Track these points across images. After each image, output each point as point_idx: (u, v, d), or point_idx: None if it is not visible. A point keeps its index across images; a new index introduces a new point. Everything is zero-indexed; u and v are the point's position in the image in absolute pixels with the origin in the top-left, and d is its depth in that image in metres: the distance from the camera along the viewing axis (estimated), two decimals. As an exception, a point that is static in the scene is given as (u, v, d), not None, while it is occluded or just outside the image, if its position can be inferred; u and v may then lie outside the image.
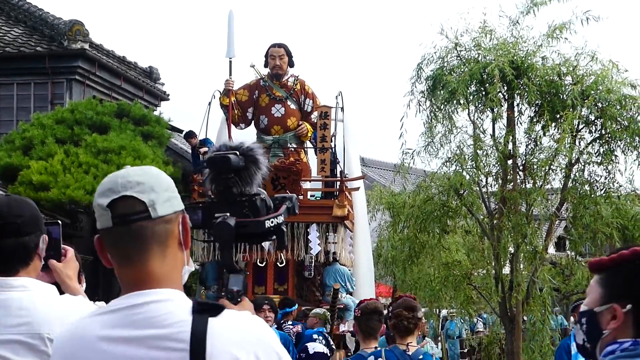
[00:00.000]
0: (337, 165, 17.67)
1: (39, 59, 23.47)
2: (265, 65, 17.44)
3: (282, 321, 13.40)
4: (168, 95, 27.70)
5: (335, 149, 17.66)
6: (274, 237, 3.73)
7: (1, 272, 3.57)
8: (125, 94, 25.21)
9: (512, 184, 16.11)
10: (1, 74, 23.98)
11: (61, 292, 3.89)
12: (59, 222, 4.25)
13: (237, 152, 3.71)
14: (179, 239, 2.67)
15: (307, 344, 10.30)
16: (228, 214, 3.54)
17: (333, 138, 17.69)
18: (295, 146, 17.45)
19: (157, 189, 2.62)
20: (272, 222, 3.73)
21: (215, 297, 3.54)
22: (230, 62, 17.03)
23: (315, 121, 17.49)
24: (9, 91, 23.87)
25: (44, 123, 20.83)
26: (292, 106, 17.43)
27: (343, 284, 16.20)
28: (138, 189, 2.57)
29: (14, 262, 3.59)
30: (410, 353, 6.93)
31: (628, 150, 15.93)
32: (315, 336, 11.35)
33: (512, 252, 16.13)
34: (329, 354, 9.48)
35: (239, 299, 3.16)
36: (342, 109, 17.58)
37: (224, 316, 2.54)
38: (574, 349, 10.50)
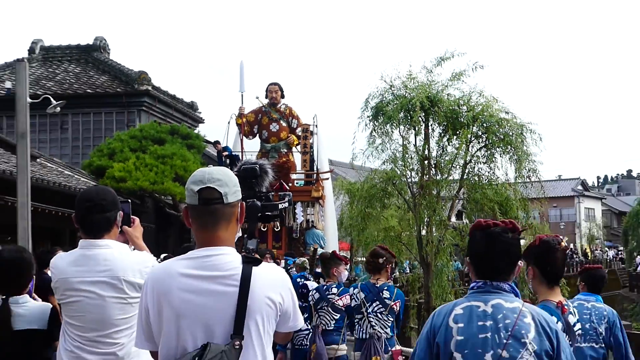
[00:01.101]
0: (314, 163, 17.39)
1: (119, 96, 23.44)
2: (266, 97, 17.11)
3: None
4: (203, 119, 27.89)
5: (312, 153, 17.40)
6: (279, 217, 4.45)
7: (92, 236, 3.68)
8: (176, 119, 25.24)
9: (427, 176, 16.24)
10: (94, 107, 23.84)
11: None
12: (129, 201, 4.43)
13: (258, 166, 4.26)
14: (237, 217, 2.82)
15: (306, 282, 9.68)
16: (256, 199, 4.08)
17: (311, 145, 17.44)
18: (285, 151, 17.15)
19: (229, 184, 2.74)
20: (280, 207, 4.58)
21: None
22: (242, 95, 16.89)
23: (299, 134, 17.28)
24: (98, 117, 23.85)
25: (122, 138, 20.91)
26: (284, 124, 17.11)
27: (318, 242, 15.94)
28: (218, 183, 2.70)
29: (101, 230, 3.69)
30: (377, 285, 7.12)
31: (503, 154, 16.22)
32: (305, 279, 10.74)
33: (427, 220, 16.13)
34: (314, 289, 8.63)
35: (252, 255, 3.21)
36: (316, 126, 17.42)
37: (262, 266, 2.76)
38: None
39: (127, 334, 3.56)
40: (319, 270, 12.46)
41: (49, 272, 5.04)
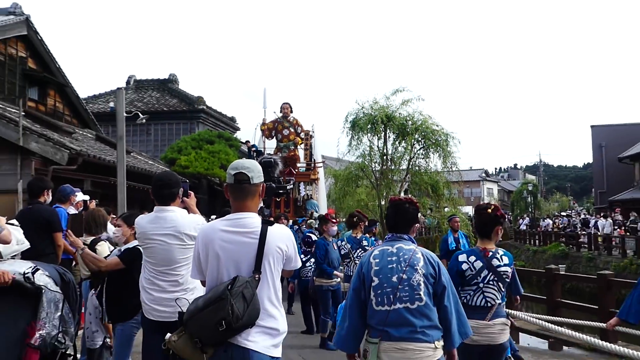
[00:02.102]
0: (312, 157, 17.26)
1: (184, 113, 23.44)
2: (280, 111, 16.85)
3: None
4: (239, 128, 27.74)
5: (311, 150, 17.26)
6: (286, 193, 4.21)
7: (162, 204, 3.68)
8: (221, 127, 25.11)
9: (385, 166, 16.23)
10: (168, 120, 23.74)
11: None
12: (187, 181, 4.68)
13: (272, 160, 4.21)
14: (259, 193, 2.85)
15: (311, 234, 9.30)
16: (271, 183, 3.91)
17: (310, 144, 17.29)
18: (293, 148, 16.71)
19: (255, 170, 2.80)
20: (288, 187, 4.33)
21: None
22: (265, 110, 17.16)
23: (303, 137, 17.02)
24: (171, 127, 23.76)
25: (186, 140, 20.72)
26: (292, 130, 16.69)
27: (314, 209, 15.80)
28: (247, 170, 2.77)
29: (168, 200, 3.69)
30: (357, 237, 7.21)
31: (435, 153, 16.55)
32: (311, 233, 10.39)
33: (385, 195, 15.96)
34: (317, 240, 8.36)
35: (268, 218, 3.15)
36: (314, 132, 17.38)
37: (275, 226, 2.80)
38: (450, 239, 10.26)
39: (185, 268, 3.54)
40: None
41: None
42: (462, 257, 3.80)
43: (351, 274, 6.50)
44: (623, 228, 25.78)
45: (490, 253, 3.75)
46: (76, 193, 6.89)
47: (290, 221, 12.97)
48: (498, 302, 3.72)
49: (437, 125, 15.96)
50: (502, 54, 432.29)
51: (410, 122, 15.92)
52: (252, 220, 2.77)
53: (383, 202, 16.20)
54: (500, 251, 3.80)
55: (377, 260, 3.13)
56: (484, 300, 3.69)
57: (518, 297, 5.82)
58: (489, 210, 3.84)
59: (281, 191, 4.85)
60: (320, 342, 7.02)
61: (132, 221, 4.59)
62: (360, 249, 6.99)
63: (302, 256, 8.16)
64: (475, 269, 3.70)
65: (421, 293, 2.97)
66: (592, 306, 8.66)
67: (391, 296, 3.00)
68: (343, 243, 7.34)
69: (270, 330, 2.72)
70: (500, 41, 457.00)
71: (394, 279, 3.02)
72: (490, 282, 3.69)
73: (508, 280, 3.77)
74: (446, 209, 17.53)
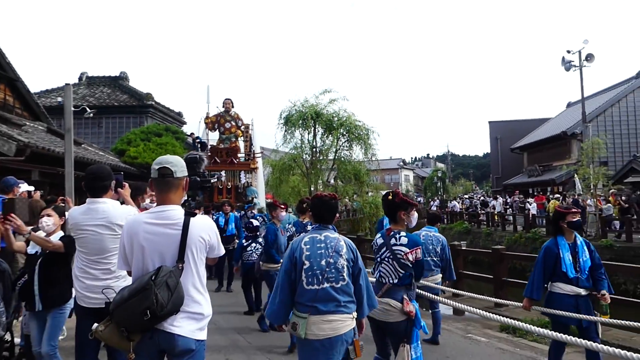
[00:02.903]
0: (252, 148, 16.56)
1: (134, 107, 22.30)
2: (222, 106, 16.07)
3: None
4: (186, 122, 26.79)
5: (251, 141, 16.55)
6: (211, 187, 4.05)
7: (95, 196, 3.44)
8: (169, 121, 24.14)
9: (314, 157, 16.05)
10: (118, 114, 22.56)
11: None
12: (122, 173, 4.24)
13: (197, 156, 4.01)
14: (182, 187, 2.71)
15: (251, 220, 8.58)
16: (196, 177, 3.68)
17: (250, 137, 16.57)
18: (234, 139, 15.95)
19: (178, 165, 2.66)
20: (213, 181, 4.05)
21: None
22: (208, 105, 17.34)
23: (243, 130, 16.32)
24: (121, 120, 22.61)
25: (136, 133, 19.65)
26: (233, 123, 15.99)
27: (254, 195, 15.28)
28: (170, 164, 2.63)
29: (100, 192, 3.46)
30: (304, 222, 6.83)
31: (357, 145, 16.55)
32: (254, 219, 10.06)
33: (315, 182, 15.80)
34: (259, 225, 8.02)
35: (192, 210, 2.95)
36: (253, 125, 16.60)
37: (197, 217, 2.66)
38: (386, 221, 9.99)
39: (117, 257, 3.25)
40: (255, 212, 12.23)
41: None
42: (377, 236, 4.01)
43: None
44: (510, 207, 27.12)
45: (392, 233, 3.76)
46: (19, 185, 6.36)
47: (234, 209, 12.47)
48: (392, 282, 3.67)
49: (359, 121, 16.03)
50: (416, 59, 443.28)
51: (336, 119, 15.89)
52: (175, 212, 2.63)
53: (313, 188, 16.13)
54: (403, 233, 3.72)
55: (308, 247, 3.22)
56: (378, 275, 3.79)
57: (447, 281, 6.23)
58: (389, 197, 3.83)
59: (206, 185, 4.43)
60: (258, 318, 6.75)
61: (63, 211, 4.26)
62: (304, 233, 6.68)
63: (244, 241, 7.80)
64: (377, 245, 3.87)
65: (344, 274, 3.14)
66: (488, 276, 8.99)
67: (320, 277, 3.12)
68: (289, 226, 7.16)
69: (195, 315, 2.61)
70: (414, 46, 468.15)
71: (323, 262, 3.14)
72: (386, 260, 3.74)
73: (405, 262, 3.65)
74: (370, 194, 17.68)
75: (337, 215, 3.54)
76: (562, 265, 4.34)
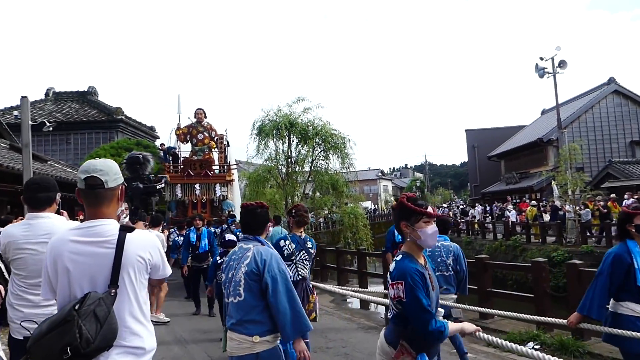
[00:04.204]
0: (227, 159, 16.02)
1: (103, 122, 21.80)
2: (195, 117, 15.54)
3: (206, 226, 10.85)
4: (159, 136, 26.06)
5: (225, 152, 15.99)
6: (158, 194, 3.52)
7: (37, 209, 3.04)
8: (141, 136, 23.42)
9: (290, 168, 15.76)
10: (87, 129, 22.16)
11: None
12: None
13: (140, 156, 3.45)
14: (117, 197, 2.26)
15: (228, 236, 7.61)
16: (139, 183, 3.18)
17: (224, 148, 16.02)
18: (207, 151, 15.36)
19: (110, 173, 2.21)
20: (158, 186, 3.47)
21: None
22: (179, 115, 16.01)
23: (216, 140, 15.76)
24: (90, 136, 22.15)
25: (105, 148, 19.23)
26: (206, 134, 15.43)
27: (230, 208, 14.96)
28: (100, 173, 2.18)
29: (44, 204, 3.06)
30: (302, 237, 5.00)
31: (334, 155, 16.13)
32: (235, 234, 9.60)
33: (291, 195, 15.41)
34: (235, 240, 6.52)
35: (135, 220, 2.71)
36: (227, 135, 16.24)
37: (135, 232, 2.21)
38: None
39: None
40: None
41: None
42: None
43: (295, 279, 4.87)
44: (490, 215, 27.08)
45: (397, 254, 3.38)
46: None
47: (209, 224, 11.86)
48: (390, 315, 3.17)
49: (335, 130, 15.70)
50: (391, 69, 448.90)
51: (311, 128, 15.54)
52: (107, 227, 2.17)
53: (290, 201, 15.71)
54: (399, 257, 3.17)
55: (229, 258, 3.07)
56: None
57: None
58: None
59: (151, 191, 3.83)
60: None
61: None
62: (304, 252, 5.05)
63: (218, 257, 7.09)
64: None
65: (240, 289, 2.87)
66: (472, 287, 8.63)
67: (227, 290, 2.98)
68: (287, 242, 5.08)
69: (134, 350, 2.15)
70: (388, 57, 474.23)
71: (229, 275, 2.98)
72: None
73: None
74: (350, 205, 17.35)
75: (268, 224, 3.26)
76: (638, 279, 3.37)
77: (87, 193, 2.18)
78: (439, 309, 2.54)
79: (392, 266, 2.56)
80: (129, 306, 2.15)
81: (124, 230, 2.18)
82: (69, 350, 1.93)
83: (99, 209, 2.19)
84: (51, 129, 11.61)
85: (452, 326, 2.49)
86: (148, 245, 2.24)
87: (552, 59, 21.72)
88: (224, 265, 3.13)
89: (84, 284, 2.10)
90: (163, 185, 3.69)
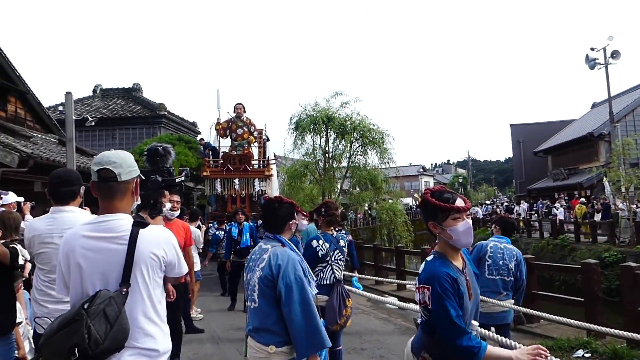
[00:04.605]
0: (266, 154, 15.90)
1: (147, 118, 22.28)
2: (234, 111, 15.48)
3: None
4: (200, 132, 26.56)
5: (264, 147, 15.86)
6: (179, 187, 3.39)
7: (60, 203, 2.98)
8: (183, 131, 23.90)
9: (327, 163, 15.56)
10: (132, 125, 22.73)
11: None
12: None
13: (160, 148, 3.26)
14: (132, 190, 2.16)
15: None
16: (157, 175, 2.95)
17: (263, 142, 15.87)
18: (247, 146, 15.33)
19: (123, 165, 2.09)
20: (179, 180, 3.20)
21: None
22: (219, 110, 15.90)
23: (256, 135, 15.63)
24: (134, 131, 22.73)
25: (148, 143, 18.86)
26: (245, 129, 15.34)
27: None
28: (113, 165, 2.07)
29: (67, 199, 2.99)
30: (334, 235, 4.55)
31: (372, 150, 15.85)
32: None
33: (329, 191, 15.31)
34: None
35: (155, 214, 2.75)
36: (266, 130, 15.91)
37: (149, 228, 2.09)
38: None
39: None
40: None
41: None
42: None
43: (327, 282, 4.38)
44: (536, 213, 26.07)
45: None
46: (1, 195, 5.99)
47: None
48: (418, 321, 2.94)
49: (373, 125, 15.48)
50: (433, 63, 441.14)
51: (349, 122, 15.34)
52: (120, 222, 2.06)
53: (328, 197, 15.58)
54: (430, 257, 2.91)
55: (249, 258, 2.90)
56: None
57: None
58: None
59: (171, 185, 3.52)
60: None
61: None
62: (338, 252, 4.56)
63: None
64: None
65: (255, 295, 2.68)
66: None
67: (245, 294, 2.83)
68: (320, 242, 4.58)
69: (148, 352, 2.04)
70: (431, 51, 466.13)
71: (247, 277, 2.81)
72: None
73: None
74: (390, 201, 17.11)
75: (290, 222, 2.89)
76: None
77: (100, 186, 2.09)
78: (473, 322, 2.14)
79: (421, 267, 2.23)
80: (142, 306, 2.05)
81: (138, 225, 2.07)
82: (76, 352, 1.83)
83: (112, 202, 2.10)
84: (93, 123, 11.97)
85: (495, 351, 2.05)
86: (162, 241, 2.13)
87: (604, 49, 20.65)
88: (246, 265, 2.92)
89: (96, 281, 2.01)
90: (183, 178, 3.48)
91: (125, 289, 1.98)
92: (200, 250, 8.90)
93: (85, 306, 1.89)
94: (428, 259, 2.20)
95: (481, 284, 3.73)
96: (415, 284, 2.20)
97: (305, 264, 2.80)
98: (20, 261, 3.80)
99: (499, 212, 31.94)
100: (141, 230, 2.05)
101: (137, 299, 2.02)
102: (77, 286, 2.03)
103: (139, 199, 2.36)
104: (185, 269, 2.27)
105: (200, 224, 11.06)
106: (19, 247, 4.14)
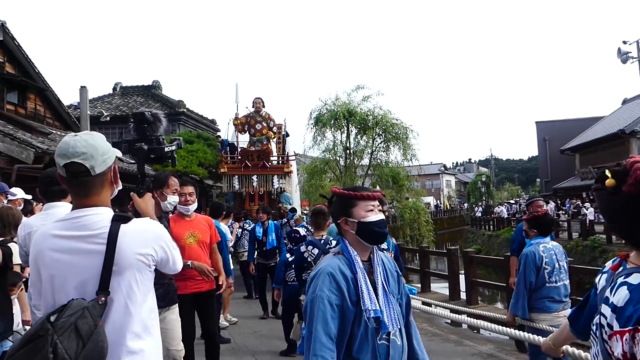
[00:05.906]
0: (285, 150, 15.45)
1: (166, 115, 21.38)
2: (253, 106, 15.01)
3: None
4: (220, 129, 25.84)
5: (284, 143, 15.44)
6: (170, 159, 2.86)
7: (51, 201, 2.91)
8: (202, 129, 23.61)
9: (348, 160, 15.19)
10: (150, 121, 22.29)
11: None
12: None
13: (148, 113, 2.72)
14: (110, 181, 1.76)
15: (299, 229, 6.18)
16: (143, 144, 2.63)
17: (283, 138, 15.44)
18: (266, 142, 14.79)
19: (95, 155, 1.67)
20: (169, 149, 2.82)
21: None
22: (237, 105, 15.36)
23: (275, 131, 15.17)
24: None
25: (167, 141, 18.76)
26: (264, 124, 14.87)
27: (288, 201, 14.36)
28: (83, 157, 1.64)
29: (58, 197, 2.91)
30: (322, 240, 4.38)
31: (395, 146, 15.57)
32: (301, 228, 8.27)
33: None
34: (306, 235, 5.62)
35: (142, 193, 2.26)
36: (285, 125, 15.50)
37: (132, 223, 1.69)
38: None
39: None
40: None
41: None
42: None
43: None
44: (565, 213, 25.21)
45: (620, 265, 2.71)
46: (6, 190, 5.73)
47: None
48: None
49: (396, 119, 15.13)
50: (457, 58, 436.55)
51: (370, 117, 14.98)
52: (96, 217, 1.67)
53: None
54: (630, 265, 2.53)
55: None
56: None
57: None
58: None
59: (159, 154, 2.79)
60: None
61: None
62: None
63: (288, 255, 6.00)
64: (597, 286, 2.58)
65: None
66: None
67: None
68: (310, 248, 4.62)
69: None
70: (454, 46, 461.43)
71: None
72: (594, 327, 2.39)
73: (608, 347, 1.92)
74: (411, 199, 16.64)
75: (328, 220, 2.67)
76: None
77: (71, 182, 1.70)
78: None
79: (623, 293, 1.25)
80: (126, 317, 1.66)
81: (118, 220, 1.68)
82: None
83: (88, 198, 1.72)
84: (108, 118, 11.78)
85: None
86: (149, 238, 1.74)
87: (637, 42, 19.83)
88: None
89: (70, 290, 1.63)
90: (174, 148, 2.89)
91: (103, 298, 1.60)
92: (232, 250, 8.25)
93: (52, 319, 1.51)
94: (634, 281, 1.27)
95: (542, 295, 3.56)
96: (611, 323, 1.25)
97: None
98: (17, 261, 3.49)
99: (523, 212, 31.07)
100: (122, 227, 1.66)
101: (118, 310, 1.64)
102: (47, 295, 1.66)
103: (120, 185, 1.92)
104: (180, 265, 1.89)
105: (233, 221, 9.59)
106: (15, 246, 3.82)
